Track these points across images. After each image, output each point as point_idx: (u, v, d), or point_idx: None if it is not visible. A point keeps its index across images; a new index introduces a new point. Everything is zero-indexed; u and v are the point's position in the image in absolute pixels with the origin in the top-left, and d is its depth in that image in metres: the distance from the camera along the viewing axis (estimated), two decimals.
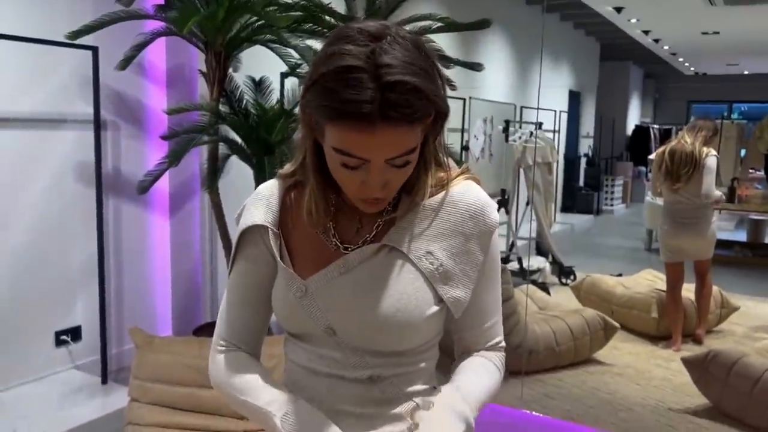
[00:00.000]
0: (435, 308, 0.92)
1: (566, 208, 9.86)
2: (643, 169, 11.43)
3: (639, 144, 12.05)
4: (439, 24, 3.38)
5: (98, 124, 3.13)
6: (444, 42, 5.69)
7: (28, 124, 3.07)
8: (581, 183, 10.41)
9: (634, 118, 13.49)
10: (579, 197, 9.89)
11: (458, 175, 0.96)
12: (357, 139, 0.80)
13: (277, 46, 2.88)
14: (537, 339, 3.58)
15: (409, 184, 0.92)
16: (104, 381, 3.23)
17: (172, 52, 3.49)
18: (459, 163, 3.86)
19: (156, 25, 3.07)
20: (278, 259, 0.95)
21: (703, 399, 3.17)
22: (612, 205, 10.71)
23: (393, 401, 0.94)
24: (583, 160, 10.60)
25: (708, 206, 3.87)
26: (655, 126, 12.49)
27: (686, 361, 3.20)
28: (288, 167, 0.99)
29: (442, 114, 0.87)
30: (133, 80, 3.42)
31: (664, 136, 11.02)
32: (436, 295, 0.92)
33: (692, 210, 3.86)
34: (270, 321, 1.06)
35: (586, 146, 10.90)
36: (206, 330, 3.17)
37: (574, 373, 3.62)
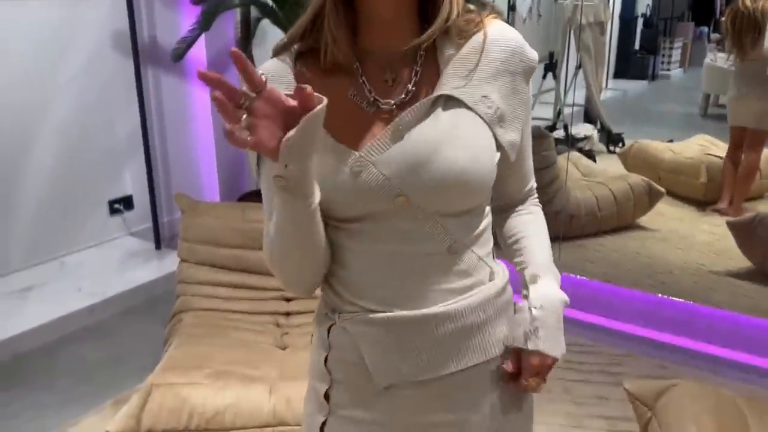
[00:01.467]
0: (497, 154, 0.87)
1: (619, 73, 9.37)
2: (705, 29, 10.67)
3: (702, 2, 11.15)
4: None
5: None
6: None
7: None
8: (636, 46, 9.83)
9: None
10: (633, 61, 9.36)
11: (489, 14, 0.90)
12: None
13: None
14: (579, 204, 3.56)
15: (431, 5, 0.86)
16: (158, 246, 3.40)
17: None
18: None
19: None
20: (322, 136, 0.82)
21: (746, 263, 3.14)
22: (669, 69, 10.15)
23: (475, 272, 0.90)
24: (640, 21, 9.93)
25: (765, 71, 3.62)
26: None
27: (731, 225, 3.15)
28: (291, 33, 0.88)
29: None
30: None
31: None
32: (495, 140, 0.87)
33: (758, 75, 3.64)
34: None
35: (644, 5, 10.17)
36: (251, 197, 3.26)
37: (616, 238, 3.62)
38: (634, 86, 8.95)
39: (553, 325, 0.91)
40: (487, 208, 0.93)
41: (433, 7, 0.85)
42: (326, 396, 0.93)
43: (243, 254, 2.29)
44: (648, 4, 10.30)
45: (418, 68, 0.87)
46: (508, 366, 0.93)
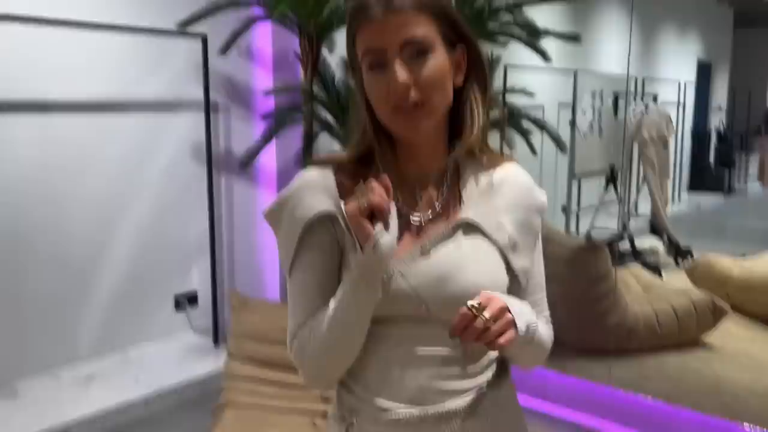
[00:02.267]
0: (507, 278, 0.97)
1: (694, 187, 9.23)
2: None
3: None
4: None
5: (208, 107, 3.41)
6: (553, 14, 5.56)
7: (148, 108, 3.40)
8: (711, 160, 9.70)
9: None
10: (708, 175, 9.23)
11: (508, 158, 1.04)
12: (372, 31, 0.91)
13: None
14: (637, 319, 3.45)
15: (452, 129, 0.99)
16: (216, 343, 3.54)
17: (279, 38, 3.70)
18: (559, 141, 3.80)
19: (259, 11, 3.28)
20: (356, 243, 0.90)
21: None
22: (746, 183, 9.90)
23: (485, 373, 0.98)
24: (714, 135, 9.86)
25: None
26: None
27: None
28: (336, 155, 1.03)
29: (470, 43, 0.96)
30: (242, 66, 3.67)
31: None
32: (508, 265, 0.97)
33: None
34: None
35: (717, 120, 10.14)
36: None
37: (678, 356, 3.46)
38: (708, 200, 8.77)
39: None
40: None
41: (458, 133, 0.98)
42: None
43: (287, 352, 2.36)
44: (721, 119, 10.26)
45: (444, 190, 0.99)
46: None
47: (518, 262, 0.98)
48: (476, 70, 0.98)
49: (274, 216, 1.00)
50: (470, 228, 0.96)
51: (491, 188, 0.99)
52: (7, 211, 2.97)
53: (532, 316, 0.94)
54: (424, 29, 0.91)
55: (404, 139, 0.97)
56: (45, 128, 3.05)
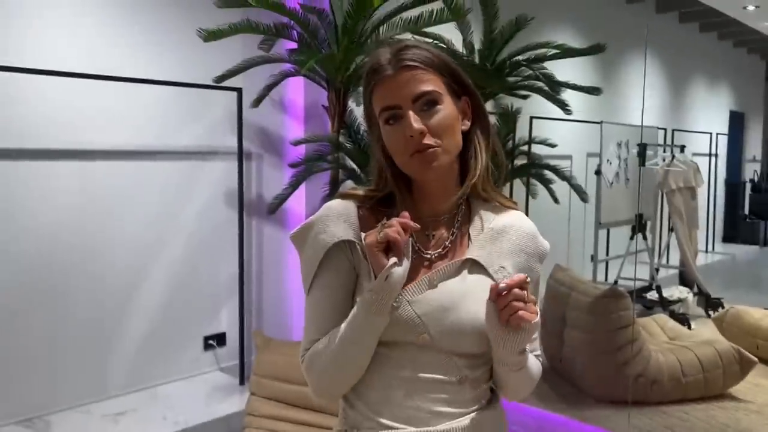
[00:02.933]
0: None
1: (728, 238, 9.10)
2: None
3: None
4: (555, 51, 3.45)
5: (241, 156, 3.58)
6: (581, 67, 5.68)
7: (185, 156, 3.59)
8: (746, 211, 9.56)
9: None
10: (743, 226, 9.10)
11: (513, 205, 1.13)
12: (386, 89, 1.03)
13: None
14: (661, 369, 3.43)
15: (462, 173, 1.09)
16: (242, 382, 3.62)
17: (309, 91, 3.90)
18: (580, 191, 3.84)
19: (290, 67, 3.47)
20: (371, 271, 1.01)
21: None
22: None
23: (478, 398, 1.06)
24: (748, 186, 9.75)
25: None
26: None
27: None
28: (360, 191, 1.12)
29: (472, 94, 1.08)
30: (274, 117, 3.86)
31: None
32: None
33: None
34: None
35: (751, 171, 10.03)
36: None
37: (704, 408, 3.42)
38: (744, 251, 8.64)
39: None
40: (490, 355, 1.07)
41: (464, 173, 1.09)
42: None
43: (307, 392, 2.44)
44: (755, 170, 10.16)
45: (455, 230, 1.09)
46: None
47: None
48: (479, 118, 1.09)
49: (299, 238, 1.11)
50: (475, 266, 1.05)
51: (497, 232, 1.07)
52: (46, 252, 3.14)
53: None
54: (431, 84, 1.03)
55: (420, 181, 1.07)
56: (85, 175, 3.24)
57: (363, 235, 1.02)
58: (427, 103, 1.02)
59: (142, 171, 3.43)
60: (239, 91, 3.49)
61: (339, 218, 1.07)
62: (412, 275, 1.03)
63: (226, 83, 3.26)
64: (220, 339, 3.81)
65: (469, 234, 1.08)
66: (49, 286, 3.15)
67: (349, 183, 3.15)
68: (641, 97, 7.07)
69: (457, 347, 1.03)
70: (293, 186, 2.94)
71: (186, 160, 3.60)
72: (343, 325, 1.02)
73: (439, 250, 1.07)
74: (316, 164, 2.93)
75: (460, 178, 1.09)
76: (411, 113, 1.01)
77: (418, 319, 1.01)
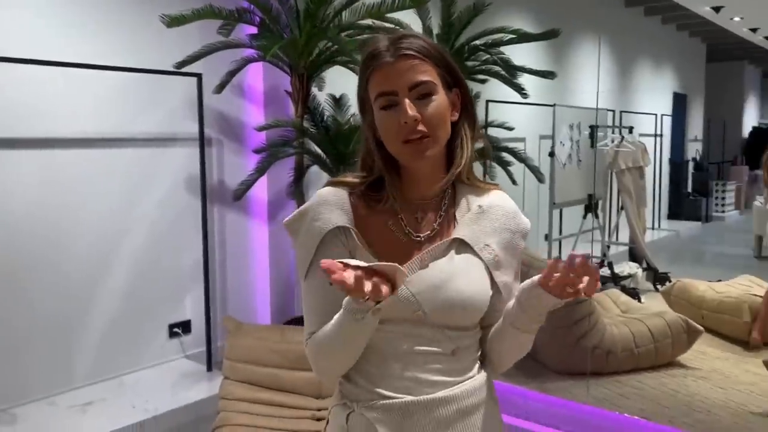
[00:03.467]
0: (491, 290, 1.12)
1: (673, 215, 9.47)
2: (760, 173, 10.71)
3: (757, 147, 11.29)
4: (511, 36, 3.54)
5: (203, 142, 3.56)
6: (533, 51, 5.81)
7: (145, 143, 3.55)
8: (689, 189, 9.96)
9: (751, 119, 12.68)
10: (686, 203, 9.48)
11: (497, 188, 1.19)
12: (383, 76, 1.07)
13: (354, 66, 3.17)
14: (615, 340, 3.60)
15: (449, 160, 1.13)
16: (209, 369, 3.63)
17: (269, 76, 3.89)
18: (536, 172, 3.96)
19: (252, 52, 3.47)
20: (367, 253, 1.07)
21: None
22: (723, 211, 10.16)
23: (469, 368, 1.12)
24: (691, 165, 10.14)
25: None
26: None
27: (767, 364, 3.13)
28: (349, 178, 1.16)
29: (462, 86, 1.13)
30: (235, 102, 3.85)
31: None
32: (492, 280, 1.12)
33: None
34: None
35: (694, 150, 10.44)
36: (295, 322, 3.50)
37: (654, 375, 3.61)
38: (687, 227, 9.00)
39: None
40: (478, 327, 1.16)
41: (451, 159, 1.15)
42: None
43: (280, 373, 2.49)
44: (697, 149, 10.57)
45: (442, 213, 1.14)
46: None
47: (501, 277, 1.12)
48: (467, 110, 1.14)
49: (293, 225, 1.15)
50: (462, 245, 1.11)
51: (482, 212, 1.14)
52: (7, 242, 3.08)
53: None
54: (428, 74, 1.07)
55: (410, 168, 1.11)
56: (45, 164, 3.18)
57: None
58: (423, 93, 1.06)
59: (102, 159, 3.38)
60: (199, 76, 3.46)
61: (332, 205, 1.11)
62: (404, 256, 1.09)
63: (186, 69, 3.24)
64: (185, 326, 3.80)
65: (455, 215, 1.14)
66: (11, 278, 3.09)
67: (315, 168, 3.19)
68: (591, 80, 7.27)
69: (450, 321, 1.09)
70: (260, 171, 2.95)
71: (146, 147, 3.56)
72: (332, 324, 1.05)
73: (428, 232, 1.12)
74: (281, 150, 2.95)
75: (447, 165, 1.14)
76: (407, 101, 1.05)
77: (412, 297, 1.06)
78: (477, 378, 1.13)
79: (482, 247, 1.11)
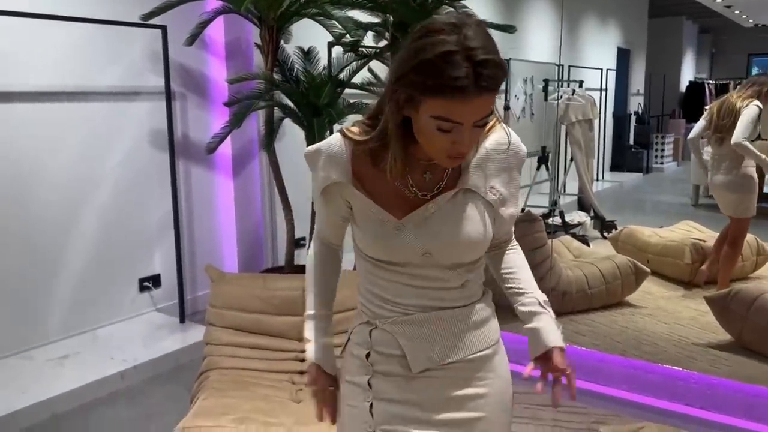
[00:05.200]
0: (492, 230, 1.21)
1: (616, 167, 9.88)
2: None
3: (693, 100, 11.78)
4: None
5: (169, 96, 3.54)
6: (486, 6, 5.89)
7: (108, 97, 3.51)
8: (631, 141, 10.37)
9: (688, 74, 13.19)
10: (628, 155, 9.88)
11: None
12: (456, 106, 1.02)
13: (323, 18, 3.20)
14: (570, 282, 3.84)
15: None
16: (182, 320, 3.70)
17: (231, 28, 3.87)
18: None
19: (216, 4, 3.44)
20: (369, 202, 1.16)
21: (726, 335, 3.39)
22: (662, 163, 10.64)
23: (476, 293, 1.25)
24: (633, 118, 10.54)
25: (738, 162, 3.91)
26: (711, 81, 12.19)
27: (709, 299, 3.42)
28: (358, 133, 1.18)
29: None
30: (197, 55, 3.82)
31: (721, 91, 10.72)
32: (498, 216, 1.21)
33: (728, 163, 3.94)
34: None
35: (636, 104, 10.83)
36: (272, 271, 3.58)
37: (606, 314, 3.88)
38: (629, 178, 9.43)
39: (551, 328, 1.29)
40: (483, 257, 1.28)
41: None
42: (369, 384, 1.23)
43: (263, 319, 2.59)
44: (639, 103, 10.96)
45: (448, 171, 1.19)
46: (534, 371, 1.25)
47: (507, 211, 1.23)
48: None
49: (311, 158, 1.24)
50: (468, 192, 1.18)
51: (486, 156, 1.20)
52: None
53: (549, 308, 1.30)
54: (493, 104, 1.07)
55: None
56: (7, 118, 3.12)
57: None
58: (482, 122, 1.07)
59: (65, 113, 3.33)
60: (164, 29, 3.42)
61: (336, 159, 1.18)
62: (410, 208, 1.17)
63: (150, 21, 3.20)
64: (155, 280, 3.84)
65: (459, 167, 1.19)
66: None
67: (287, 121, 3.23)
68: (541, 35, 7.43)
69: (458, 260, 1.20)
70: (233, 124, 2.98)
71: (109, 101, 3.51)
72: (309, 295, 1.36)
73: (435, 189, 1.18)
74: (254, 102, 2.98)
75: None
76: (468, 132, 1.05)
77: (419, 242, 1.16)
78: (484, 299, 1.28)
79: (487, 191, 1.20)
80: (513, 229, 1.36)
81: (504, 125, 1.25)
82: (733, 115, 3.86)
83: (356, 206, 1.21)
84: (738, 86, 4.20)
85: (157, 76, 3.58)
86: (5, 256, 3.16)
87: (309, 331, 1.34)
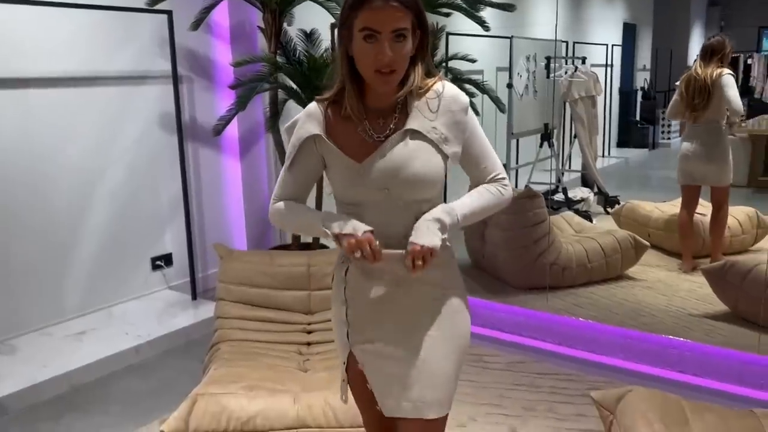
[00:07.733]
0: (443, 163, 1.41)
1: (622, 143, 9.84)
2: None
3: None
4: None
5: (176, 79, 3.63)
6: None
7: (118, 81, 3.60)
8: (637, 117, 10.34)
9: (696, 48, 13.06)
10: (634, 131, 9.85)
11: (438, 79, 1.45)
12: (373, 15, 1.30)
13: (325, 1, 3.26)
14: (570, 257, 3.93)
15: (405, 78, 1.39)
16: (194, 298, 3.83)
17: (235, 12, 3.93)
18: (498, 103, 4.15)
19: None
20: (337, 151, 1.40)
21: (722, 306, 3.47)
22: (669, 138, 10.61)
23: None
24: (639, 94, 10.50)
25: (722, 133, 3.97)
26: None
27: (706, 271, 3.50)
28: (325, 94, 1.45)
29: (425, 29, 1.39)
30: (202, 39, 3.90)
31: (730, 65, 10.68)
32: (443, 154, 1.41)
33: (707, 136, 4.01)
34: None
35: (642, 80, 10.78)
36: (279, 249, 3.69)
37: (606, 287, 3.97)
38: (635, 154, 9.42)
39: (422, 229, 1.38)
40: (440, 198, 1.46)
41: (405, 80, 1.42)
42: (346, 314, 1.48)
43: (271, 293, 2.70)
44: (645, 79, 10.90)
45: (396, 115, 1.43)
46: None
47: (449, 149, 1.42)
48: (423, 47, 1.41)
49: (289, 130, 1.49)
50: (414, 133, 1.40)
51: (426, 103, 1.42)
52: None
53: (447, 218, 1.39)
54: (406, 22, 1.33)
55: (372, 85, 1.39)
56: (22, 104, 3.22)
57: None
58: (398, 36, 1.32)
59: (77, 98, 3.43)
60: (170, 13, 3.50)
61: (312, 117, 1.43)
62: (370, 152, 1.39)
63: (155, 6, 3.27)
64: (167, 259, 3.96)
65: (407, 111, 1.42)
66: None
67: (291, 102, 3.31)
68: (544, 11, 7.42)
69: (412, 195, 1.39)
70: (238, 107, 3.07)
71: (119, 85, 3.61)
72: (303, 220, 1.48)
73: (386, 132, 1.41)
74: (259, 84, 3.07)
75: (401, 85, 1.41)
76: (386, 43, 1.31)
77: (377, 180, 1.38)
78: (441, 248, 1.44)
79: (429, 130, 1.40)
80: (497, 174, 1.51)
81: (444, 80, 1.47)
82: (707, 91, 3.89)
83: (329, 158, 1.44)
84: (749, 59, 4.20)
85: (165, 61, 3.66)
86: (24, 239, 3.29)
87: (326, 221, 1.41)
